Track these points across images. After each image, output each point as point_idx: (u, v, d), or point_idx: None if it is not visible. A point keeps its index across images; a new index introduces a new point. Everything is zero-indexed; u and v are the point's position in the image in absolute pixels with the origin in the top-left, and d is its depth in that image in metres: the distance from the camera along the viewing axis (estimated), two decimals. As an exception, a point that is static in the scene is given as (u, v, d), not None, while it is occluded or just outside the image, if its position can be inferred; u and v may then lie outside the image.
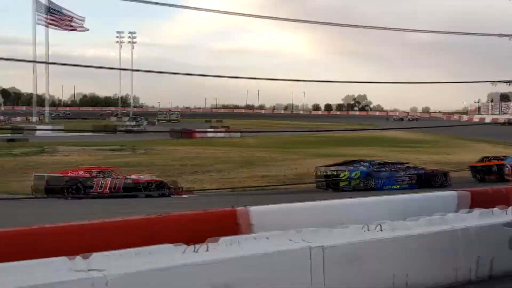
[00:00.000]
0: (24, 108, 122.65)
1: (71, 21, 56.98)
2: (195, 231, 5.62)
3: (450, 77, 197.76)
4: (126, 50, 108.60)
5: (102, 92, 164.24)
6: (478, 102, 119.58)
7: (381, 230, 5.77)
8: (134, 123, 61.31)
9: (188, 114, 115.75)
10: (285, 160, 31.58)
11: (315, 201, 6.63)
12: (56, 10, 57.56)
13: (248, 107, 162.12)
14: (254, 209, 6.25)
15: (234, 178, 25.13)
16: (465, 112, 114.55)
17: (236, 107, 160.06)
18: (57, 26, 58.04)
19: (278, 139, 51.46)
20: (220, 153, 36.36)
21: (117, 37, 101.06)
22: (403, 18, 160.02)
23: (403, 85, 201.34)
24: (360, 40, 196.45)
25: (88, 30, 60.49)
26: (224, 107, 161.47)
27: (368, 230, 5.74)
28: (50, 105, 75.10)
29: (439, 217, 6.31)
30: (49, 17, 57.85)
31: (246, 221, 6.03)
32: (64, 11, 57.77)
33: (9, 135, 47.79)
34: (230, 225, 5.87)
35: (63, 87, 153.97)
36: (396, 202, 6.85)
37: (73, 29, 57.64)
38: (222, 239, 5.21)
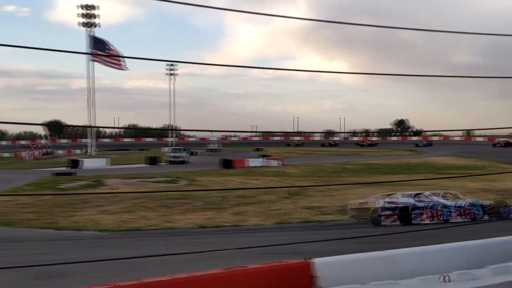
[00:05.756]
0: (68, 140, 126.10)
1: (119, 61, 63.03)
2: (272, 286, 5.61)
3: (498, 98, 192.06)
4: (167, 81, 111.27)
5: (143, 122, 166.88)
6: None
7: (449, 281, 5.68)
8: (184, 154, 62.22)
9: (229, 142, 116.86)
10: (342, 190, 30.83)
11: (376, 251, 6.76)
12: (105, 48, 65.04)
13: (285, 134, 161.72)
14: (318, 260, 6.04)
15: (279, 209, 25.04)
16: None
17: (274, 134, 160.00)
18: (107, 64, 65.99)
19: (316, 167, 51.21)
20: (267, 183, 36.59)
21: (167, 69, 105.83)
22: (446, 44, 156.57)
23: (445, 109, 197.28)
24: (401, 63, 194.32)
25: (129, 69, 68.46)
26: (264, 134, 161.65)
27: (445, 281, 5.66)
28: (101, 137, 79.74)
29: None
30: (99, 54, 67.56)
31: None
32: (112, 48, 65.45)
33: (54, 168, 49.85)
34: (304, 279, 5.81)
35: (105, 119, 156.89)
36: (468, 248, 6.46)
37: (119, 68, 64.56)
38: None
